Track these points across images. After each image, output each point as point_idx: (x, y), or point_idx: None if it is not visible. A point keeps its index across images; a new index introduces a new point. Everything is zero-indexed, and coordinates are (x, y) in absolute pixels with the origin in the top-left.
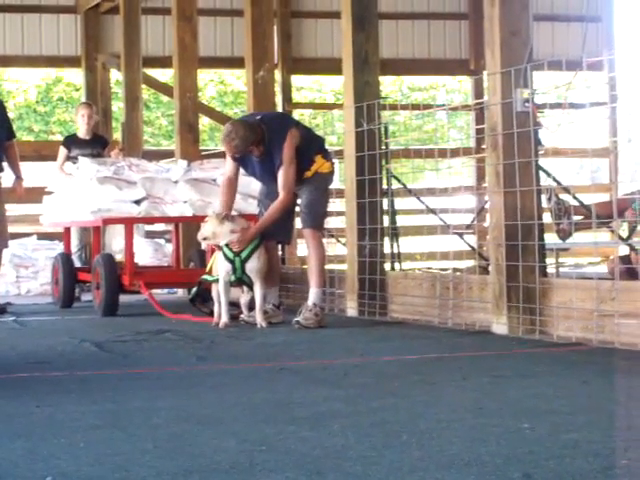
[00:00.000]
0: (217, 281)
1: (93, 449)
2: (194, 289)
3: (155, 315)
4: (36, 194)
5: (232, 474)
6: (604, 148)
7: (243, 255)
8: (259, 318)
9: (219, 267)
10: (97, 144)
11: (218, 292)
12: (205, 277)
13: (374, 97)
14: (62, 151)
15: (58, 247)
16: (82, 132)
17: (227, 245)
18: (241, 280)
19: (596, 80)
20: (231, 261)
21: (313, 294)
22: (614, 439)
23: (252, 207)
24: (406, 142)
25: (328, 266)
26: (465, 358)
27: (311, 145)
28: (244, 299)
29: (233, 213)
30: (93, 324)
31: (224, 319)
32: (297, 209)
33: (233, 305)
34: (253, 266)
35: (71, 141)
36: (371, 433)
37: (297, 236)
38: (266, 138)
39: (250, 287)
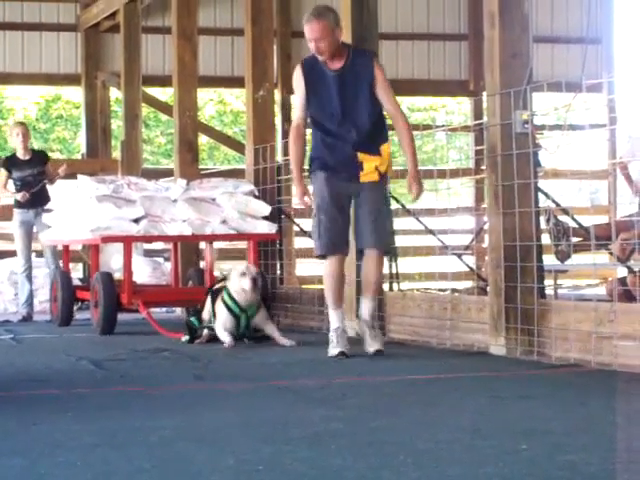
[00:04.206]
0: (207, 328)
1: (90, 468)
2: (186, 337)
3: (153, 334)
4: None
5: None
6: (603, 170)
7: (249, 312)
8: (283, 340)
9: (220, 319)
10: (37, 163)
11: (209, 334)
12: (193, 321)
13: None
14: (2, 172)
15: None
16: (20, 152)
17: (232, 299)
18: (243, 335)
19: (595, 102)
20: (236, 316)
21: (366, 307)
22: (612, 461)
23: (251, 226)
24: (405, 163)
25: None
26: (463, 379)
27: (383, 121)
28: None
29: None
30: (91, 342)
31: (229, 342)
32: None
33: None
34: (261, 319)
35: (11, 163)
36: (369, 453)
37: (297, 255)
38: (350, 53)
39: (250, 338)
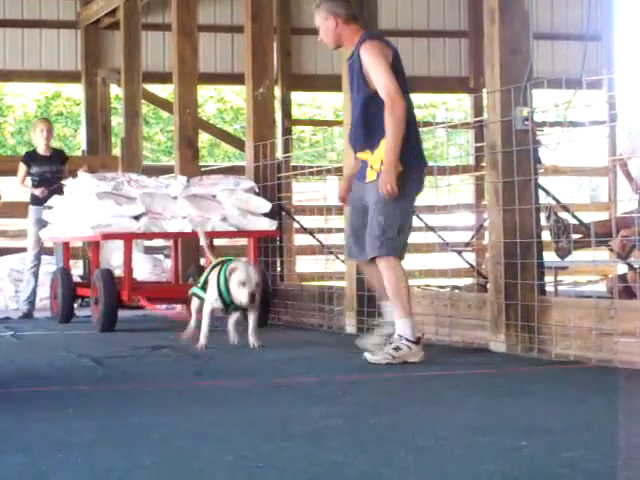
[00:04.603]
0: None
1: (91, 465)
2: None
3: (153, 331)
4: None
5: None
6: (603, 167)
7: None
8: (252, 339)
9: (210, 296)
10: (56, 161)
11: (196, 309)
12: (195, 290)
13: None
14: (22, 167)
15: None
16: (41, 148)
17: (227, 287)
18: (234, 309)
19: (596, 99)
20: (226, 302)
21: (398, 325)
22: (612, 458)
23: (251, 223)
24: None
25: (327, 283)
26: (463, 376)
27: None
28: (231, 320)
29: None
30: (91, 339)
31: (202, 342)
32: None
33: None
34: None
35: (30, 158)
36: (369, 450)
37: (297, 252)
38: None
39: (244, 312)
